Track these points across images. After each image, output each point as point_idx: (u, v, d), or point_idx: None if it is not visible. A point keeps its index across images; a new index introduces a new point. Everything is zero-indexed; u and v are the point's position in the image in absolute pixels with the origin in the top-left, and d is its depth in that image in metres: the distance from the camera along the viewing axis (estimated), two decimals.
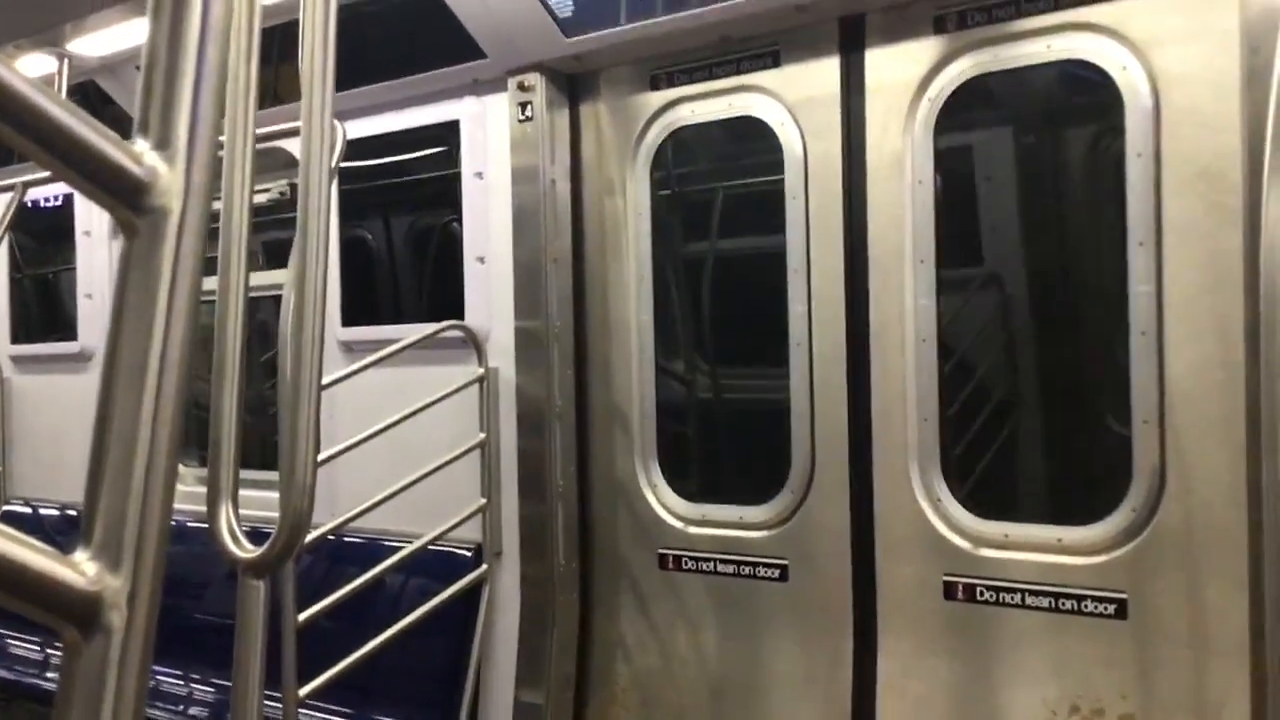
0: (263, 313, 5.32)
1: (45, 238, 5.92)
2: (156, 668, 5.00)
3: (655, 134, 4.03)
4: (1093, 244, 3.36)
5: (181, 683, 4.88)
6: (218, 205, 2.47)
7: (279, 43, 4.06)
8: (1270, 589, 2.08)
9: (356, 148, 4.47)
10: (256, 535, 2.39)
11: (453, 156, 4.32)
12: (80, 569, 0.74)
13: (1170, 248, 3.06)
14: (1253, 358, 2.88)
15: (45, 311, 6.04)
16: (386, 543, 4.28)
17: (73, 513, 5.82)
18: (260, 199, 5.02)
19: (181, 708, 4.66)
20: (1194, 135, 3.03)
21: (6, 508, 6.00)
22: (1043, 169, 3.50)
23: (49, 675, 5.27)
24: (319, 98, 2.23)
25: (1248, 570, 2.94)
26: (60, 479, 5.83)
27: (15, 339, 6.09)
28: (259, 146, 3.28)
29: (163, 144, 0.76)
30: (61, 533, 5.79)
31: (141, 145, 0.76)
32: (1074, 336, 3.47)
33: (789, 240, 3.72)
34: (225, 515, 2.36)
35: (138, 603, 0.75)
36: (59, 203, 5.76)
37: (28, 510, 5.97)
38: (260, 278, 4.64)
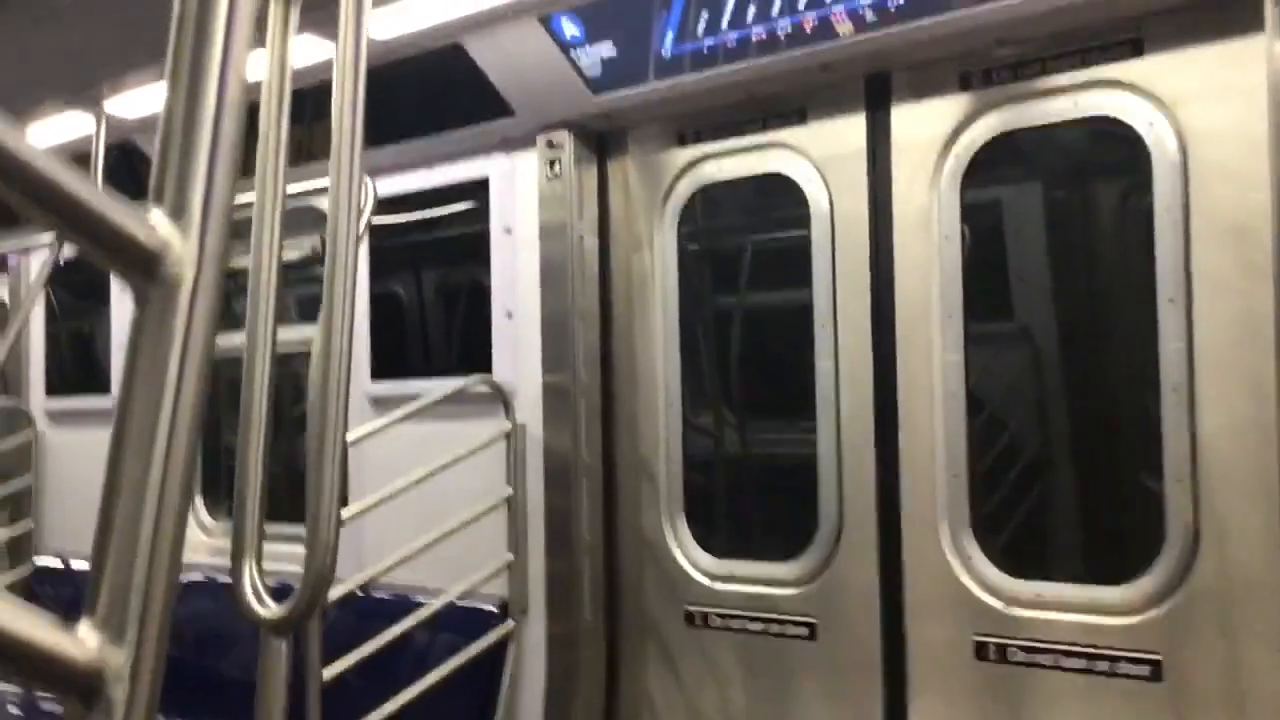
0: (300, 366, 5.35)
1: (82, 291, 5.99)
2: None
3: (683, 190, 4.05)
4: (1123, 300, 3.34)
5: None
6: (248, 262, 2.50)
7: (314, 102, 4.13)
8: None
9: (387, 204, 4.51)
10: (285, 590, 2.39)
11: (482, 212, 4.36)
12: (83, 642, 0.74)
13: (1200, 304, 3.04)
14: None
15: (80, 365, 6.10)
16: (413, 598, 4.26)
17: None
18: (293, 255, 5.07)
19: None
20: (1223, 192, 3.01)
21: (39, 560, 6.02)
22: (1071, 225, 3.49)
23: None
24: (347, 156, 2.26)
25: None
26: (91, 534, 5.83)
27: (50, 392, 6.16)
28: (291, 204, 3.33)
29: (177, 213, 0.77)
30: None
31: (156, 215, 0.77)
32: (1105, 393, 3.44)
33: (816, 296, 3.72)
34: (249, 573, 2.37)
35: (140, 675, 0.75)
36: None
37: (59, 564, 5.99)
38: (292, 332, 4.70)
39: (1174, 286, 3.08)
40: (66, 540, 5.98)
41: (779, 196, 3.85)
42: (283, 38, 2.35)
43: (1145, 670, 3.09)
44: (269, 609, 2.35)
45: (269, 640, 2.35)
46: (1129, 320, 3.31)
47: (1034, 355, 3.58)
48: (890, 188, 3.58)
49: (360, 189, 2.28)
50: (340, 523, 2.43)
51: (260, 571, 2.40)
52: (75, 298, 6.06)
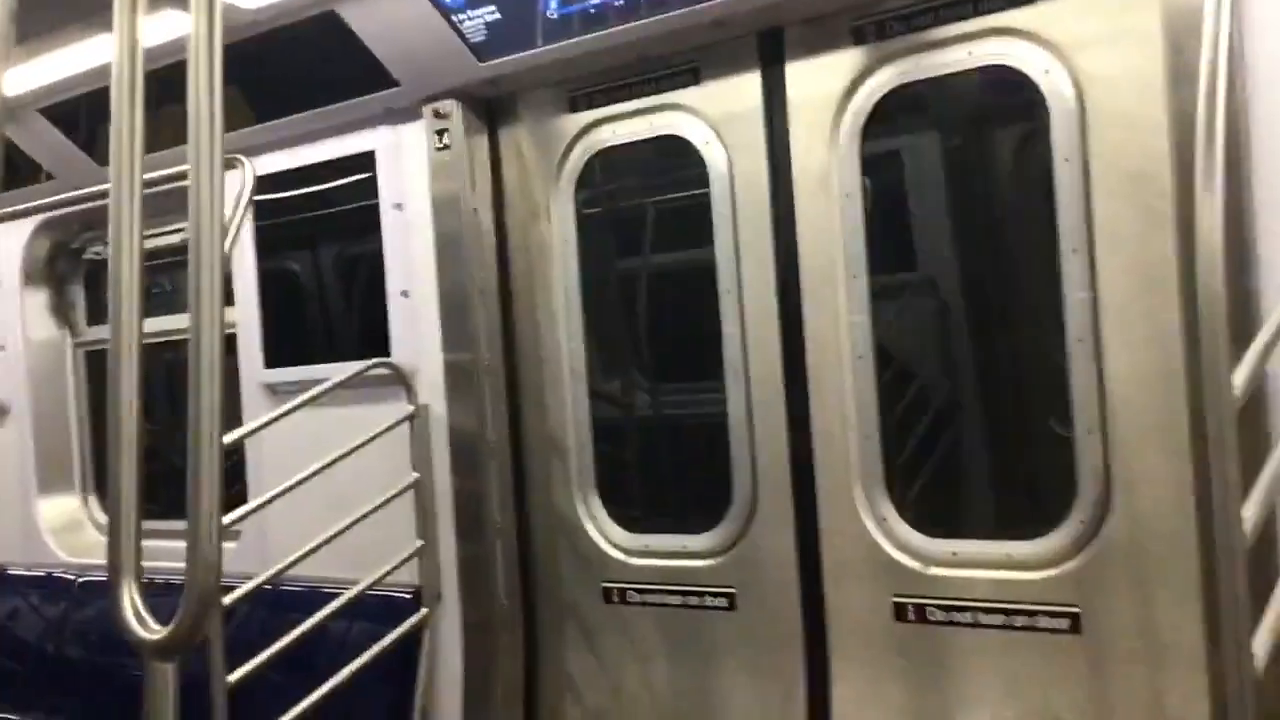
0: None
1: None
2: None
3: (577, 157, 3.92)
4: (1026, 251, 3.30)
5: None
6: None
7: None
8: (1224, 599, 2.00)
9: (270, 182, 4.33)
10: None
11: (371, 188, 4.19)
12: None
13: (1103, 254, 3.00)
14: (1192, 364, 2.82)
15: None
16: (324, 590, 4.12)
17: None
18: (174, 239, 4.86)
19: None
20: (1121, 138, 2.97)
21: None
22: (972, 176, 3.44)
23: None
24: (206, 137, 2.09)
25: (1199, 579, 2.88)
26: None
27: None
28: (160, 189, 3.14)
29: None
30: None
31: None
32: (1013, 345, 3.41)
33: (719, 261, 3.63)
34: (128, 594, 2.21)
35: None
36: None
37: None
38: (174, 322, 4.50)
39: (1075, 236, 3.05)
40: None
41: (677, 158, 3.74)
42: (130, 12, 2.17)
43: (1064, 623, 3.08)
44: (151, 630, 2.20)
45: (154, 665, 2.21)
46: (1034, 270, 3.27)
47: (940, 308, 3.53)
48: (789, 146, 3.50)
49: (219, 173, 2.11)
50: (223, 530, 2.28)
51: (139, 588, 2.25)
52: None
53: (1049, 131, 3.08)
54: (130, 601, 2.20)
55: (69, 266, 5.65)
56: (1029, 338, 3.35)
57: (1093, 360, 3.02)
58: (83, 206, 5.06)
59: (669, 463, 4.11)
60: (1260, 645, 2.02)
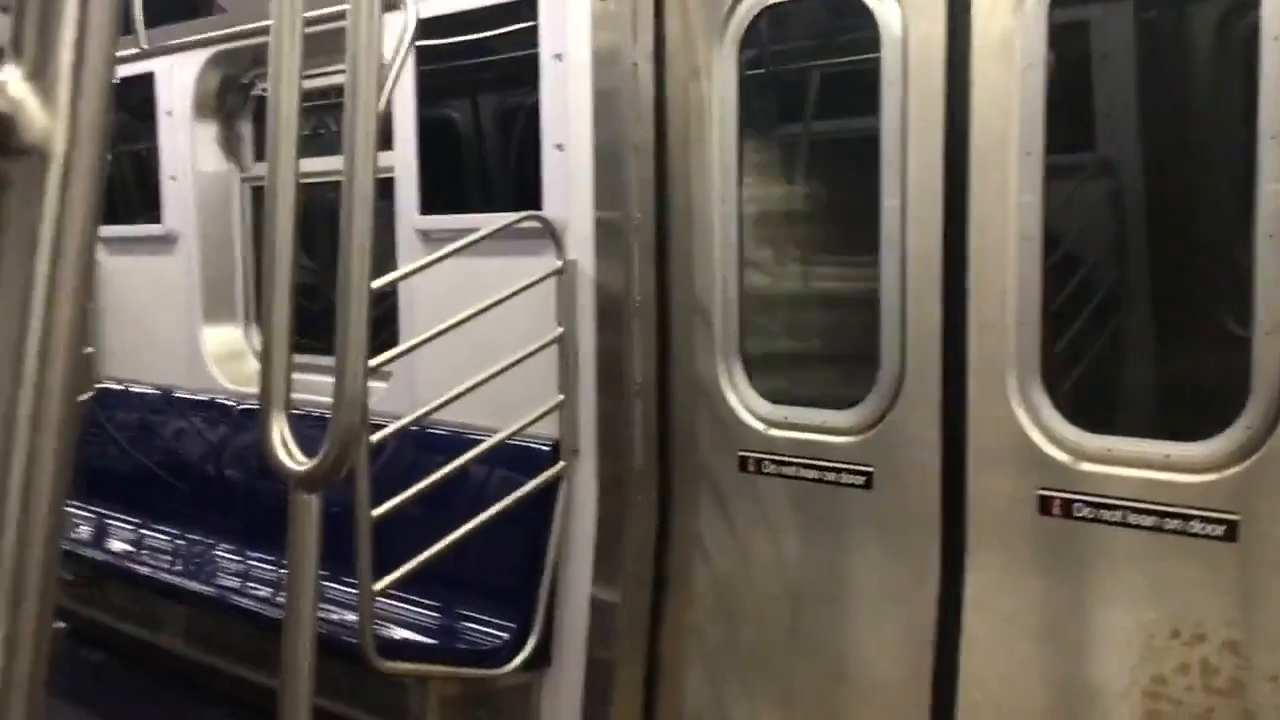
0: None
1: (132, 115, 5.88)
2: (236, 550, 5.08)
3: (743, 13, 3.76)
4: (1219, 136, 3.07)
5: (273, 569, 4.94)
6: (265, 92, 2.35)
7: None
8: None
9: (434, 26, 4.29)
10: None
11: (532, 37, 4.12)
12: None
13: None
14: None
15: (135, 193, 6.03)
16: (466, 436, 4.22)
17: (158, 392, 5.91)
18: (338, 80, 4.89)
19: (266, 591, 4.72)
20: None
21: (100, 386, 6.10)
22: (1166, 52, 3.19)
23: (143, 556, 5.37)
24: None
25: None
26: (148, 360, 5.91)
27: (104, 220, 6.12)
28: (323, 28, 3.14)
29: (38, 72, 0.61)
30: (155, 411, 5.89)
31: (10, 73, 0.61)
32: (1192, 236, 3.20)
33: (884, 129, 3.47)
34: (277, 426, 2.28)
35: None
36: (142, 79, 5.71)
37: (120, 388, 6.07)
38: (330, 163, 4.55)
39: (1277, 121, 2.81)
40: (125, 365, 6.04)
41: (849, 18, 3.56)
42: None
43: (1220, 530, 2.94)
44: (297, 462, 2.27)
45: (299, 496, 2.28)
46: (1224, 158, 3.05)
47: (1116, 192, 3.33)
48: (970, 9, 3.29)
49: (378, 13, 2.09)
50: (371, 370, 2.33)
51: (288, 420, 2.32)
52: (124, 120, 5.95)
53: (1257, 7, 2.82)
54: (279, 432, 2.27)
55: (238, 101, 5.76)
56: (1211, 229, 3.14)
57: None
58: (252, 41, 5.13)
59: (816, 336, 4.03)
60: None
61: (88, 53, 0.63)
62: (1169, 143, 3.23)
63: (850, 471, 3.60)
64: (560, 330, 4.05)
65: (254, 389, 5.38)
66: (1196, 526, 2.98)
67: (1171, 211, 3.25)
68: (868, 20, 3.49)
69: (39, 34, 0.62)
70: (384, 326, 4.57)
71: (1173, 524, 3.02)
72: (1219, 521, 2.95)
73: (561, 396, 4.06)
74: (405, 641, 4.11)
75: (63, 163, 0.62)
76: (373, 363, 2.65)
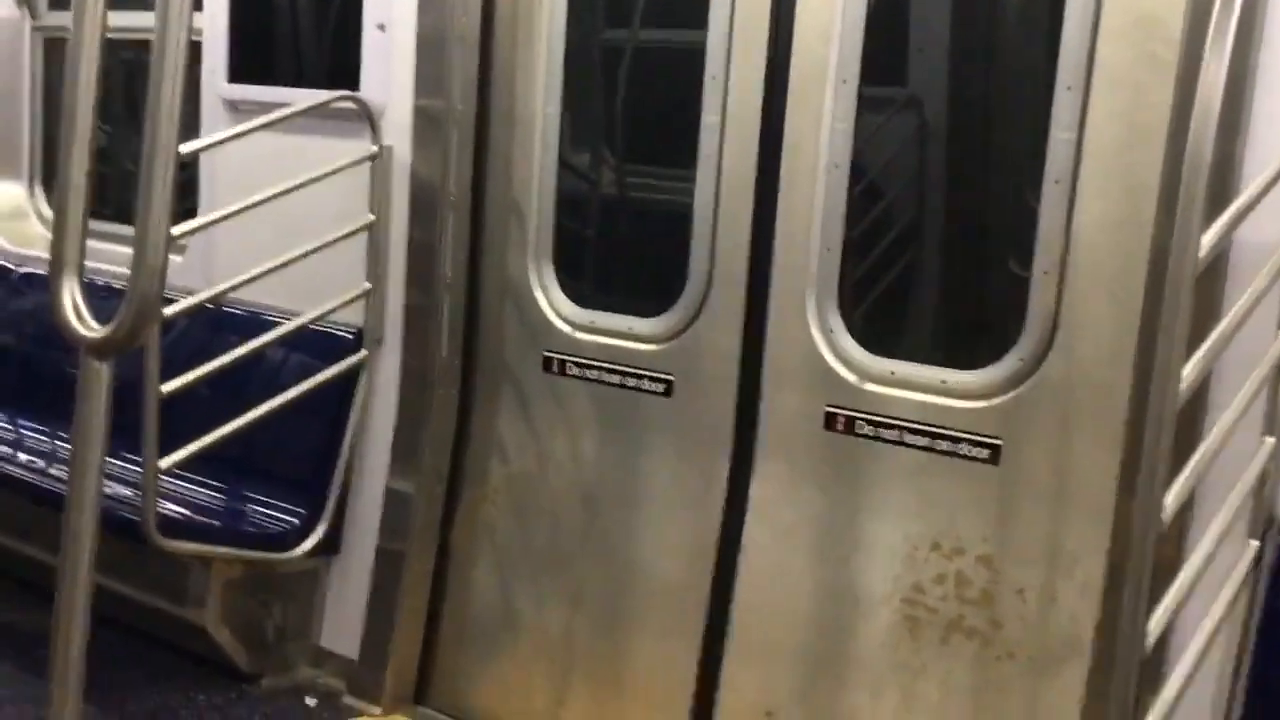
0: None
1: None
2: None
3: None
4: (1020, 83, 3.23)
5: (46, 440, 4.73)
6: None
7: None
8: (1147, 448, 2.06)
9: None
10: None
11: None
12: None
13: (1097, 95, 2.94)
14: (1164, 220, 2.81)
15: None
16: (266, 318, 4.12)
17: None
18: None
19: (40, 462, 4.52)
20: None
21: None
22: None
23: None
24: None
25: (1123, 432, 2.95)
26: None
27: None
28: None
29: None
30: None
31: None
32: (987, 178, 3.38)
33: (710, 44, 3.51)
34: (69, 289, 2.19)
35: None
36: None
37: None
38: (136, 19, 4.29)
39: (1074, 73, 2.98)
40: None
41: None
42: None
43: (985, 454, 3.16)
44: (89, 328, 2.19)
45: (90, 363, 2.20)
46: (1023, 105, 3.21)
47: (921, 128, 3.47)
48: None
49: None
50: (171, 241, 2.25)
51: (80, 285, 2.23)
52: None
53: None
54: (70, 297, 2.18)
55: None
56: (1005, 171, 3.31)
57: (1065, 202, 3.00)
58: None
59: (627, 245, 4.08)
60: (1170, 503, 2.09)
61: None
62: (976, 84, 3.38)
63: (651, 379, 3.69)
64: (372, 218, 3.98)
65: (37, 252, 5.17)
66: (965, 449, 3.20)
67: (972, 152, 3.41)
68: None
69: None
70: (179, 201, 4.38)
71: (944, 445, 3.22)
72: (985, 445, 3.17)
73: (369, 285, 4.01)
74: (189, 521, 4.03)
75: None
76: (175, 230, 2.56)
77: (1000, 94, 3.37)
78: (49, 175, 5.45)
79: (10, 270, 5.30)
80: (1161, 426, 1.99)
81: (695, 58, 3.55)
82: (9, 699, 3.96)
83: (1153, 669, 2.38)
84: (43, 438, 4.74)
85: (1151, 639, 2.10)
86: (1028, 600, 3.13)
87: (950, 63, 3.39)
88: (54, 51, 5.37)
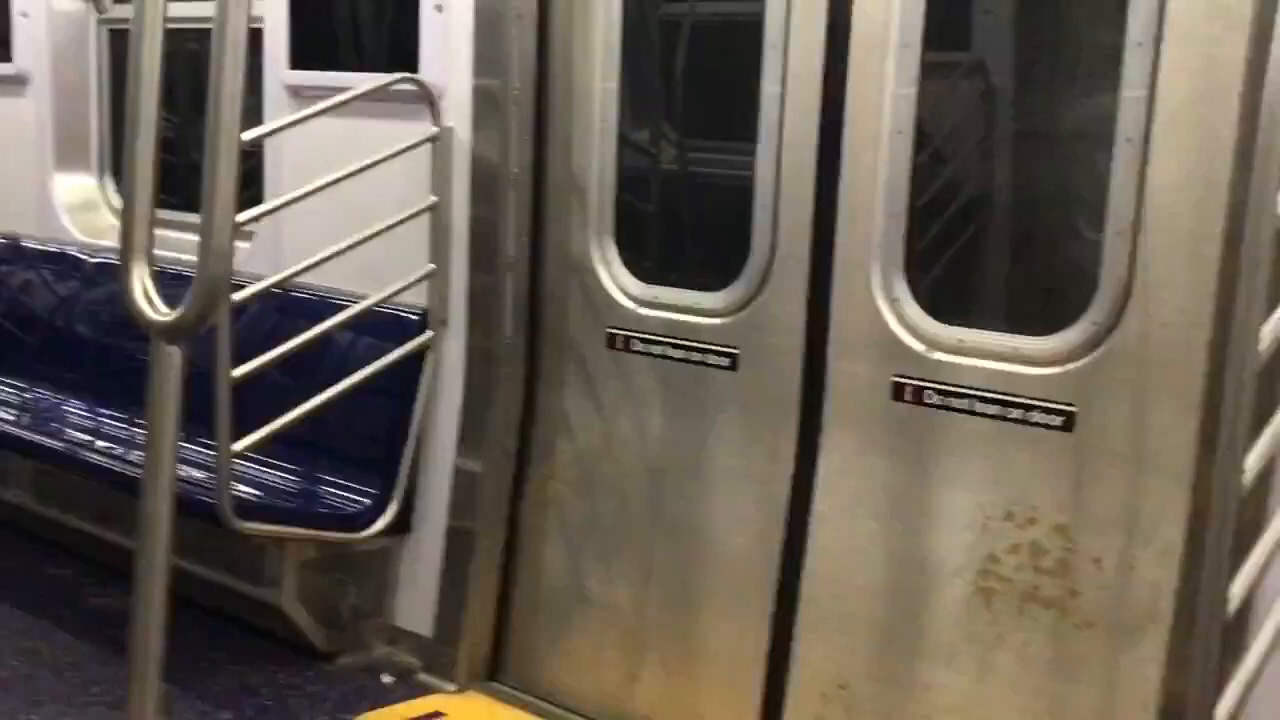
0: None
1: None
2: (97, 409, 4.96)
3: None
4: (1088, 42, 3.15)
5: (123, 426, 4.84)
6: None
7: None
8: (1226, 410, 2.01)
9: None
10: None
11: None
12: None
13: (1169, 51, 2.86)
14: (1240, 177, 2.73)
15: None
16: (333, 301, 4.17)
17: (6, 240, 5.66)
18: None
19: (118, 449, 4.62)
20: None
21: None
22: None
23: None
24: None
25: (1201, 394, 2.88)
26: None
27: None
28: None
29: None
30: (2, 261, 5.65)
31: None
32: (1055, 139, 3.31)
33: (769, 11, 3.47)
34: (139, 275, 2.22)
35: None
36: None
37: None
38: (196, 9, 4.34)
39: (1144, 28, 2.90)
40: None
41: None
42: None
43: (1058, 421, 3.11)
44: (159, 313, 2.23)
45: (160, 346, 2.23)
46: (1092, 64, 3.14)
47: (986, 92, 3.41)
48: None
49: None
50: (236, 227, 2.28)
51: (150, 272, 2.26)
52: None
53: None
54: (140, 283, 2.22)
55: None
56: (1073, 132, 3.24)
57: (1138, 162, 2.93)
58: None
59: (689, 218, 4.06)
60: (1252, 464, 2.03)
61: None
62: (1042, 44, 3.31)
63: (716, 353, 3.67)
64: (434, 199, 3.99)
65: (108, 242, 5.27)
66: (1037, 416, 3.14)
67: (1038, 113, 3.34)
68: None
69: None
70: (244, 189, 4.44)
71: (1015, 413, 3.17)
72: (1058, 413, 3.11)
73: (433, 266, 4.03)
74: (263, 504, 4.09)
75: None
76: (240, 217, 2.60)
77: (1067, 53, 3.29)
78: (118, 166, 5.55)
79: (84, 260, 5.41)
80: (1242, 387, 1.94)
81: (754, 28, 3.51)
82: (95, 679, 4.06)
83: (1235, 636, 2.32)
84: (120, 425, 4.84)
85: (1234, 604, 2.05)
86: (1105, 568, 3.07)
87: (1015, 23, 3.32)
88: (120, 44, 5.45)
